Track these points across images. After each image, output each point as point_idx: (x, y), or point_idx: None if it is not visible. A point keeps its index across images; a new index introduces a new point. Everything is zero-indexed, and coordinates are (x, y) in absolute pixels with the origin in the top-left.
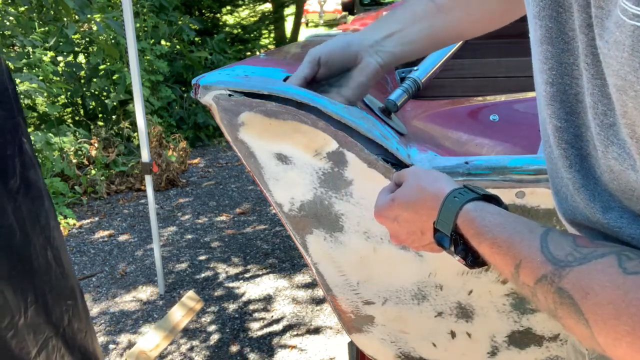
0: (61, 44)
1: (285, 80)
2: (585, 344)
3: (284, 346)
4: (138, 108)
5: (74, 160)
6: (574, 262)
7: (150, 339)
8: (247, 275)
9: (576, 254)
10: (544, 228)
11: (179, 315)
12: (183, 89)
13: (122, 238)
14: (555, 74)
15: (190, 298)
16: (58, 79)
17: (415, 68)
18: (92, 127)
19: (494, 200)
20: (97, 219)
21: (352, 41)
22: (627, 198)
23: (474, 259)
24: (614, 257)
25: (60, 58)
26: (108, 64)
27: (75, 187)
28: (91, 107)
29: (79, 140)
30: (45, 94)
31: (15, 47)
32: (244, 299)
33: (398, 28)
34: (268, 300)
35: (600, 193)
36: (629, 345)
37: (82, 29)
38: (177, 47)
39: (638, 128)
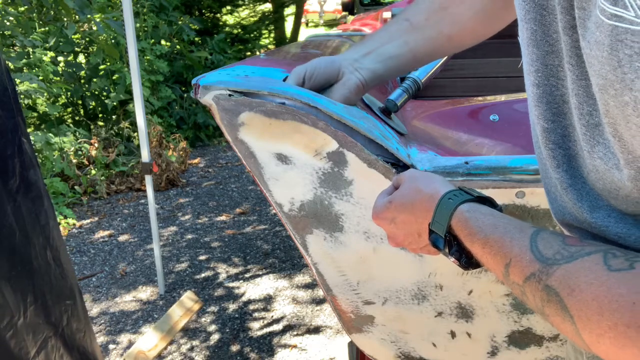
0: (61, 44)
1: (284, 81)
2: (571, 340)
3: (284, 346)
4: (138, 108)
5: (74, 160)
6: (562, 260)
7: (148, 339)
8: (247, 275)
9: (564, 252)
10: (534, 228)
11: (177, 315)
12: (183, 89)
13: (122, 238)
14: (541, 76)
15: (189, 298)
16: (58, 79)
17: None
18: (92, 127)
19: (488, 201)
20: (97, 219)
21: (335, 59)
22: (613, 197)
23: (467, 260)
24: (600, 255)
25: (60, 58)
26: (108, 64)
27: (75, 187)
28: (91, 107)
29: (79, 140)
30: (45, 94)
31: (15, 47)
32: (244, 298)
33: (375, 46)
34: (268, 300)
35: (587, 193)
36: (611, 341)
37: (82, 29)
38: (177, 47)
39: (619, 127)
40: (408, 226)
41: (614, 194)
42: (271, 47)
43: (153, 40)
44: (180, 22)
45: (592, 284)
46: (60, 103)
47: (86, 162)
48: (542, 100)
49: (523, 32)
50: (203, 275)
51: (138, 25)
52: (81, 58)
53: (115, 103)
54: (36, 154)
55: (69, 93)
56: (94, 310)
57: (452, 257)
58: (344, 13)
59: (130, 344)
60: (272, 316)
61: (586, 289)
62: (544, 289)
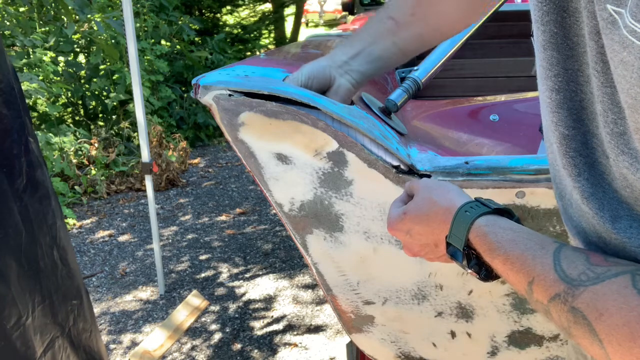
0: (61, 43)
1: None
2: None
3: (285, 345)
4: (138, 108)
5: (74, 160)
6: (588, 281)
7: (154, 338)
8: (247, 275)
9: (589, 273)
10: (556, 244)
11: (183, 315)
12: (183, 89)
13: (122, 238)
14: (562, 81)
15: (194, 297)
16: (58, 79)
17: (415, 68)
18: (92, 127)
19: (506, 213)
20: (97, 219)
21: (324, 65)
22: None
23: (487, 273)
24: (628, 277)
25: (60, 58)
26: (108, 64)
27: (75, 187)
28: (91, 107)
29: (79, 140)
30: (46, 94)
31: (15, 47)
32: (245, 298)
33: (362, 47)
34: (268, 300)
35: (609, 202)
36: None
37: (82, 29)
38: (177, 47)
39: None
40: (424, 237)
41: None
42: (271, 47)
43: (153, 40)
44: (180, 22)
45: (622, 308)
46: (60, 103)
47: (86, 162)
48: (563, 106)
49: (539, 35)
50: (203, 275)
51: (138, 25)
52: (81, 58)
53: (115, 103)
54: None
55: (69, 93)
56: (94, 310)
57: (471, 270)
58: (344, 13)
59: (131, 343)
60: (273, 316)
61: (616, 313)
62: (570, 311)
